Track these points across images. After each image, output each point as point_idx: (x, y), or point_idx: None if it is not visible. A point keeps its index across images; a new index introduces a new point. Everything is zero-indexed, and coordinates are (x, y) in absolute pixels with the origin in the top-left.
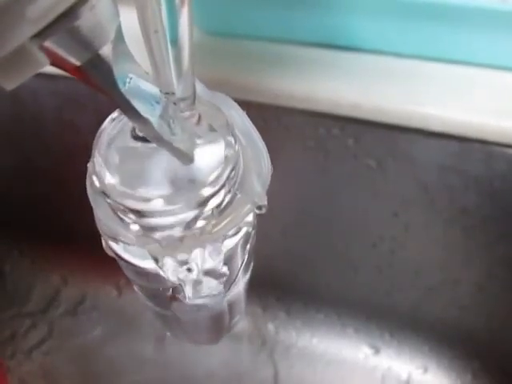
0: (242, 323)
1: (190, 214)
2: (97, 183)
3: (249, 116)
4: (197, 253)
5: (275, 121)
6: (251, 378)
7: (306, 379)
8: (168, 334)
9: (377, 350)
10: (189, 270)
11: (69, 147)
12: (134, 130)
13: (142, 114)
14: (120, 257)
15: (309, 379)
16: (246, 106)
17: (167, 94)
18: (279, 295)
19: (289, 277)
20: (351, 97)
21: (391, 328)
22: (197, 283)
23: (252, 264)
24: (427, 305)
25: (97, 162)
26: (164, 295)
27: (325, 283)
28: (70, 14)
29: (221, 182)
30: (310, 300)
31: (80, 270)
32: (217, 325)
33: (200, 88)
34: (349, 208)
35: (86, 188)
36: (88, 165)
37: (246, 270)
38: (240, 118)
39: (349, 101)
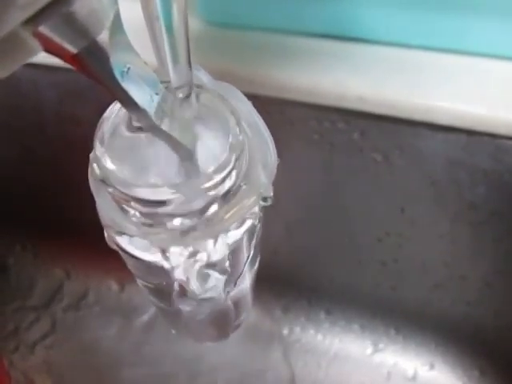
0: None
1: (194, 205)
2: (97, 171)
3: None
4: (201, 244)
5: (280, 114)
6: (256, 375)
7: (310, 376)
8: (173, 331)
9: (382, 347)
10: (193, 261)
11: (69, 139)
12: (129, 120)
13: (140, 105)
14: (123, 249)
15: (313, 376)
16: (250, 98)
17: (165, 82)
18: (283, 291)
19: (293, 272)
20: (357, 89)
21: (397, 324)
22: (201, 276)
23: (258, 259)
24: (433, 301)
25: (98, 149)
26: (168, 290)
27: (329, 278)
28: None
29: (226, 171)
30: (315, 296)
31: (83, 264)
32: (222, 322)
33: (206, 78)
34: (354, 202)
35: (87, 180)
36: (90, 155)
37: (252, 265)
38: (246, 109)
39: (355, 93)
